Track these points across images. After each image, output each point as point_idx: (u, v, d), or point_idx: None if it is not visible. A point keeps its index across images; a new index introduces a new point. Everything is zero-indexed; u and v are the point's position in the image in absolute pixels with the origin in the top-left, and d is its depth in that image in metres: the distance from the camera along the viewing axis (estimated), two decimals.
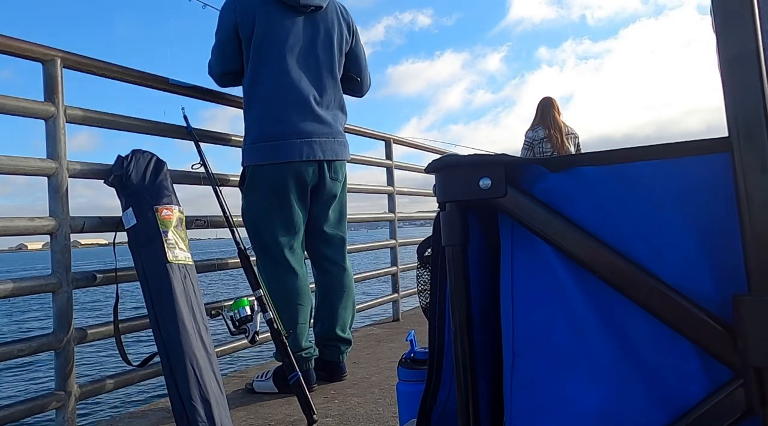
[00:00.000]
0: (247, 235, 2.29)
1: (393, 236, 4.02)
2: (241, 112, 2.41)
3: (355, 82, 2.48)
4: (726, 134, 0.67)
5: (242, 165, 2.28)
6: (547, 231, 0.76)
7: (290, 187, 2.20)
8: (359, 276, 3.32)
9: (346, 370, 2.41)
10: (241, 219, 2.31)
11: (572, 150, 4.46)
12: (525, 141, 4.54)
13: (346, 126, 2.43)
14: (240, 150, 2.30)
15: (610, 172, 0.75)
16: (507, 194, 0.78)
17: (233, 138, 2.52)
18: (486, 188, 0.79)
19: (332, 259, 2.40)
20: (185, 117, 2.21)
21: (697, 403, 0.70)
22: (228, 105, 2.56)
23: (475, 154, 1.27)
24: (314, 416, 1.83)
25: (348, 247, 2.49)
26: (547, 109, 4.51)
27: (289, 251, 2.24)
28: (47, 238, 1.79)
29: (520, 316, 0.81)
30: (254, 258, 2.27)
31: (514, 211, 0.78)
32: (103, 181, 1.90)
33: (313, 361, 2.25)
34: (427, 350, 0.97)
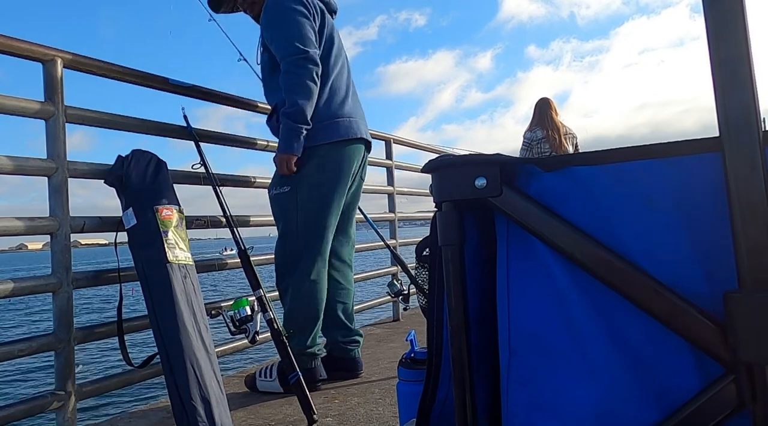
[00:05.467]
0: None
1: (393, 236, 4.02)
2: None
3: None
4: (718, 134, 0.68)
5: (310, 145, 2.14)
6: (542, 230, 0.77)
7: (350, 172, 2.23)
8: (359, 276, 3.32)
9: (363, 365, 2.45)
10: (241, 219, 2.30)
11: (571, 150, 4.46)
12: (523, 142, 4.54)
13: None
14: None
15: (604, 171, 0.76)
16: (502, 193, 0.79)
17: (233, 138, 2.53)
18: (481, 188, 0.80)
19: (346, 258, 2.42)
20: (185, 117, 2.22)
21: (690, 398, 0.70)
22: (228, 105, 2.57)
23: (470, 154, 1.28)
24: (314, 416, 1.83)
25: None
26: (544, 110, 4.51)
27: (328, 246, 2.24)
28: (47, 238, 1.80)
29: (515, 314, 0.82)
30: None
31: (509, 211, 0.79)
32: (103, 181, 1.91)
33: (319, 358, 2.26)
34: (426, 350, 0.97)
